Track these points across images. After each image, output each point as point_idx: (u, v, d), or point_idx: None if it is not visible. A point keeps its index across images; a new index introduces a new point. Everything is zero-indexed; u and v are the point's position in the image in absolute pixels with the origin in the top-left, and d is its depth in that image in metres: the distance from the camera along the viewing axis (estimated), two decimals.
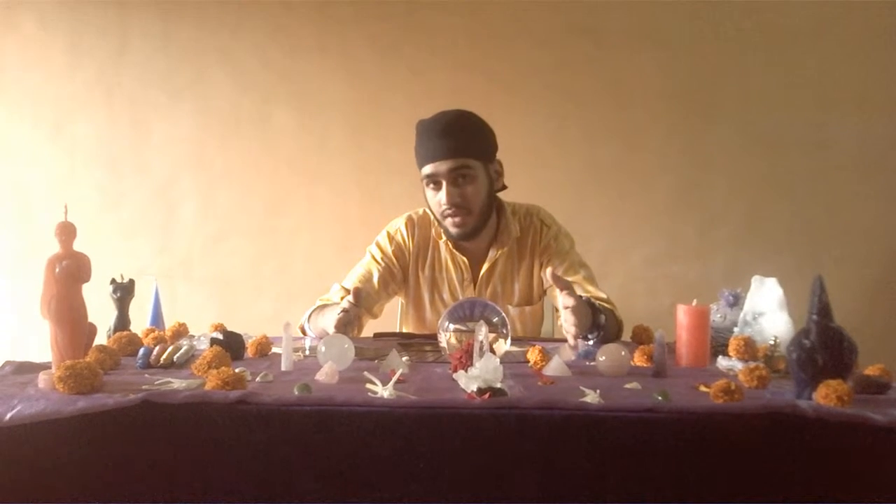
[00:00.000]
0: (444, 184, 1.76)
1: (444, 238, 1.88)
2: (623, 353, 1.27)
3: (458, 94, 2.69)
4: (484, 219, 1.83)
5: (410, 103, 2.73)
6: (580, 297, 1.56)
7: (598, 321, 1.59)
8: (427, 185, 1.80)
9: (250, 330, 1.52)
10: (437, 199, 1.79)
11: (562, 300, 1.50)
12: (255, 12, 2.79)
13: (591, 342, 1.57)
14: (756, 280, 1.45)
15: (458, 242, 1.88)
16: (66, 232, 1.16)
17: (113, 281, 1.55)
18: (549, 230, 1.91)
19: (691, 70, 2.79)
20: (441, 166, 1.75)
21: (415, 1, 2.78)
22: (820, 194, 2.78)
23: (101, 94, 2.81)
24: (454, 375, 1.13)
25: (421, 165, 1.80)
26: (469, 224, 1.80)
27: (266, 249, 2.83)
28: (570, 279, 1.69)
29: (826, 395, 0.99)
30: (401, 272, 1.92)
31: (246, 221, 2.83)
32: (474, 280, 1.89)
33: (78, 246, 1.17)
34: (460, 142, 1.76)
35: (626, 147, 2.80)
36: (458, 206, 1.76)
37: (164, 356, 1.27)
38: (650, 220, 2.81)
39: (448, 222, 1.80)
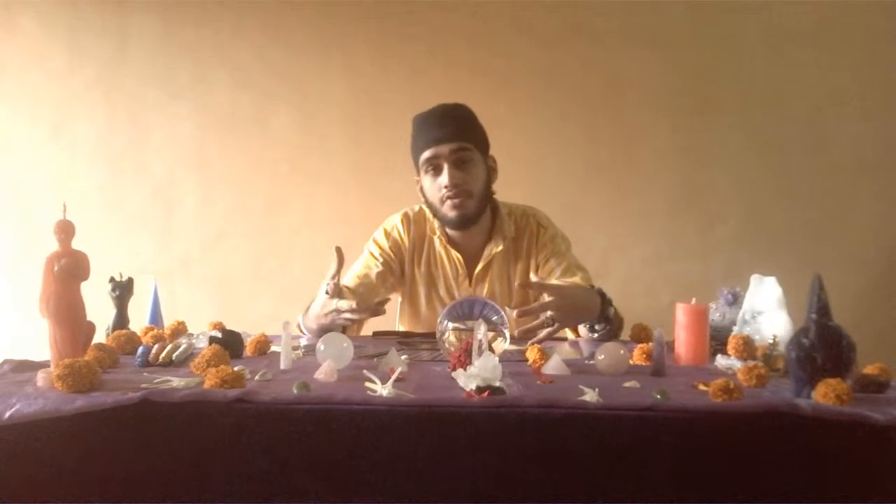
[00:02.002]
0: (444, 167, 1.77)
1: (437, 233, 1.88)
2: (622, 351, 1.27)
3: (457, 94, 2.66)
4: (482, 206, 1.83)
5: (410, 102, 2.69)
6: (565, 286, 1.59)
7: (608, 313, 1.60)
8: (426, 171, 1.81)
9: (249, 328, 1.52)
10: (438, 183, 1.79)
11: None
12: (255, 12, 2.79)
13: (595, 335, 1.59)
14: (755, 279, 1.45)
15: (451, 238, 1.88)
16: (65, 230, 1.16)
17: (112, 279, 1.55)
18: (545, 231, 1.91)
19: (691, 69, 2.79)
20: (443, 149, 1.77)
21: (414, 1, 2.78)
22: (819, 194, 2.78)
23: (100, 94, 2.81)
24: (453, 374, 1.13)
25: (420, 152, 1.80)
26: (469, 207, 1.80)
27: (265, 248, 2.83)
28: (568, 280, 1.70)
29: (825, 394, 0.99)
30: (399, 267, 1.93)
31: (245, 220, 2.83)
32: (469, 276, 1.89)
33: (77, 244, 1.17)
34: (460, 127, 1.80)
35: (626, 146, 2.80)
36: (458, 187, 1.77)
37: (163, 355, 1.27)
38: (650, 220, 2.81)
39: (448, 205, 1.79)
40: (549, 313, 1.52)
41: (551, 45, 2.78)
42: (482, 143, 1.84)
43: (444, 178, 1.77)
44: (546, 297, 1.51)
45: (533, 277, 1.64)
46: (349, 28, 2.79)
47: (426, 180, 1.82)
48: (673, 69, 2.78)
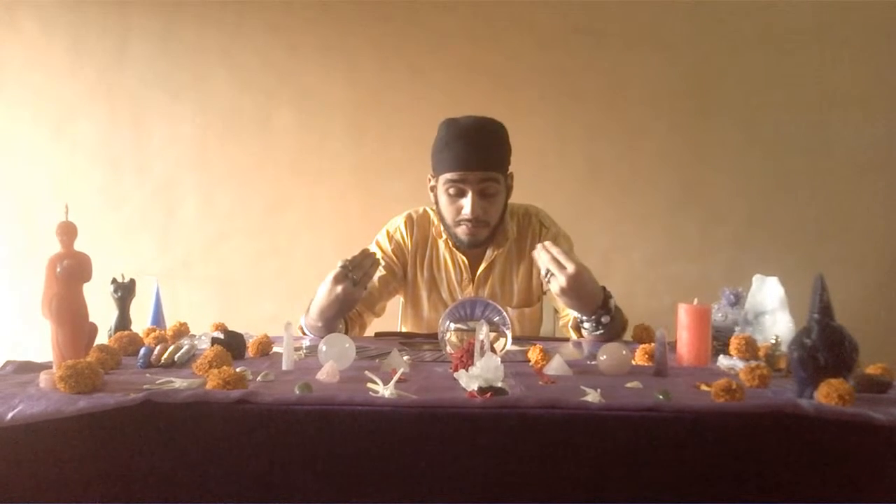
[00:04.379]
0: (469, 193, 1.74)
1: (444, 237, 1.88)
2: (624, 352, 1.27)
3: (459, 94, 2.70)
4: (494, 232, 1.83)
5: (411, 103, 2.74)
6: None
7: (601, 319, 1.59)
8: (447, 189, 1.77)
9: (251, 329, 1.52)
10: (457, 206, 1.77)
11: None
12: (256, 12, 2.79)
13: (592, 330, 1.59)
14: (757, 279, 1.45)
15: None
16: (67, 232, 1.16)
17: (114, 280, 1.55)
18: (548, 231, 1.91)
19: (692, 69, 2.79)
20: (471, 176, 1.73)
21: (416, 0, 2.78)
22: (821, 193, 2.78)
23: (102, 94, 2.81)
24: (455, 375, 1.13)
25: (446, 168, 1.76)
26: (482, 235, 1.80)
27: (267, 249, 2.83)
28: None
29: (827, 395, 0.99)
30: (401, 270, 1.92)
31: (247, 221, 2.83)
32: (473, 279, 1.89)
33: (79, 245, 1.17)
34: (492, 154, 1.76)
35: (627, 146, 2.80)
36: (479, 219, 1.76)
37: (165, 356, 1.27)
38: (651, 220, 2.81)
39: (461, 230, 1.79)
40: (558, 280, 1.48)
41: (552, 45, 2.78)
42: (507, 166, 1.81)
43: (467, 207, 1.75)
44: (569, 268, 1.48)
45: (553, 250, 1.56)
46: (350, 28, 2.79)
47: (444, 197, 1.79)
48: (674, 69, 2.78)
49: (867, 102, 2.77)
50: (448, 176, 1.76)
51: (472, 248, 1.85)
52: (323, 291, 1.62)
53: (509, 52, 2.79)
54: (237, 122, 2.82)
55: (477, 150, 1.73)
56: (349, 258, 1.58)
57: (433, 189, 1.86)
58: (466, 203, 1.75)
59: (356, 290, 1.59)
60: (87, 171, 2.82)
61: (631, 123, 2.80)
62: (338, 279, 1.57)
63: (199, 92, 2.81)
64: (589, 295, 1.55)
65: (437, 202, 1.85)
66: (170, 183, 2.82)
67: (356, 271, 1.57)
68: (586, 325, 1.63)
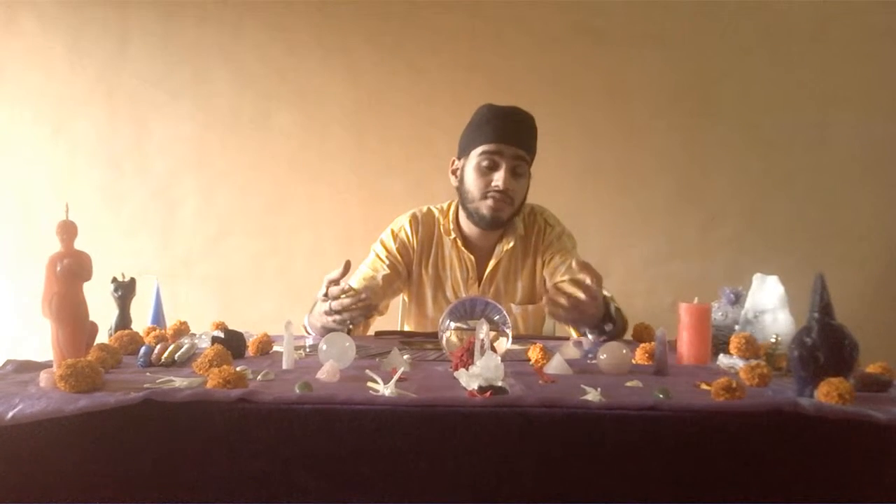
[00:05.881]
0: (503, 167, 1.78)
1: (452, 234, 1.88)
2: (624, 351, 1.27)
3: (458, 93, 2.70)
4: (513, 216, 1.85)
5: (411, 102, 2.74)
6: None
7: (604, 328, 1.58)
8: (480, 162, 1.79)
9: (251, 328, 1.52)
10: (489, 179, 1.79)
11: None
12: (256, 11, 2.79)
13: (593, 339, 1.58)
14: (757, 278, 1.45)
15: (466, 237, 1.88)
16: (67, 231, 1.16)
17: (114, 279, 1.55)
18: (552, 230, 1.92)
19: (692, 69, 2.79)
20: (509, 149, 1.78)
21: (416, 0, 2.78)
22: (820, 192, 2.79)
23: (101, 94, 2.81)
24: (455, 374, 1.13)
25: (482, 141, 1.79)
26: (505, 213, 1.81)
27: (267, 248, 2.83)
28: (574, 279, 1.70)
29: (827, 393, 0.99)
30: (405, 270, 1.92)
31: (247, 220, 2.83)
32: (479, 278, 1.89)
33: (79, 245, 1.17)
34: (528, 137, 1.82)
35: (627, 146, 2.80)
36: (506, 193, 1.78)
37: (166, 355, 1.27)
38: (651, 219, 2.81)
39: (487, 203, 1.80)
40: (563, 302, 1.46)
41: (552, 45, 2.78)
42: (533, 157, 1.85)
43: (500, 179, 1.77)
44: (581, 296, 1.44)
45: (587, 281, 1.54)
46: (350, 27, 2.79)
47: (475, 171, 1.81)
48: (673, 69, 2.78)
49: (866, 101, 2.77)
50: (484, 148, 1.79)
51: (490, 229, 1.85)
52: (318, 310, 1.62)
53: (509, 50, 2.78)
54: (237, 121, 2.82)
55: (515, 127, 1.80)
56: (336, 298, 1.54)
57: (455, 172, 1.87)
58: (498, 176, 1.78)
59: (343, 326, 1.58)
60: (87, 171, 2.81)
61: (631, 123, 2.80)
62: (327, 313, 1.56)
63: (199, 91, 2.81)
64: (593, 314, 1.53)
65: (460, 182, 1.85)
66: (170, 182, 2.82)
67: (343, 312, 1.54)
68: (589, 335, 1.62)
